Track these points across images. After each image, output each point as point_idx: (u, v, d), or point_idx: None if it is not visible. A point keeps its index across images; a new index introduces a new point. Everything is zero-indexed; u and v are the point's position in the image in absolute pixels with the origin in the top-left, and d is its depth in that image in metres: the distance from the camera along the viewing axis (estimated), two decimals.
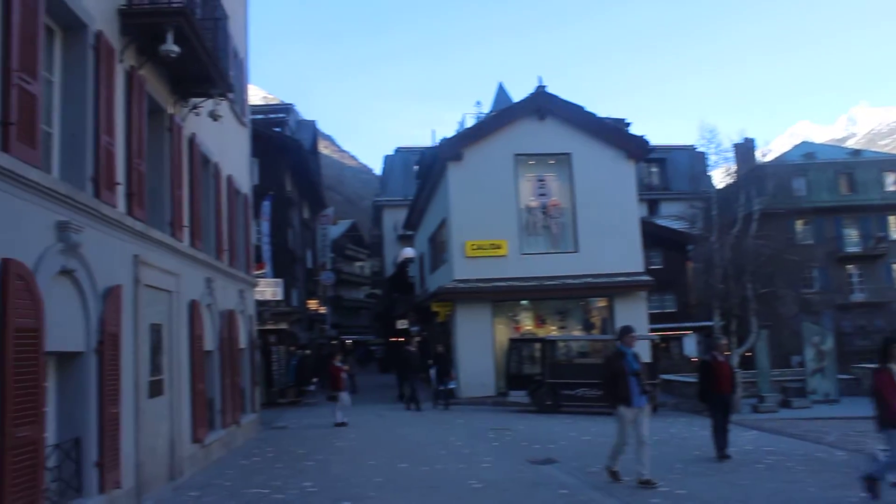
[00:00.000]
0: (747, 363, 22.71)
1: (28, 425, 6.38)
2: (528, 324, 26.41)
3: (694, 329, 37.38)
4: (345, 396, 18.81)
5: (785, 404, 20.28)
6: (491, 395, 24.16)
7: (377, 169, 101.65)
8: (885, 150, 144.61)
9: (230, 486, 10.80)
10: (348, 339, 60.35)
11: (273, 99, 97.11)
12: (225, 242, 15.44)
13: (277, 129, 36.58)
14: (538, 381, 21.04)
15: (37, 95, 6.94)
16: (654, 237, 35.64)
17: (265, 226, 27.42)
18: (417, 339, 25.64)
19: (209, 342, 13.63)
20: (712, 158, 35.47)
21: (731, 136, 65.81)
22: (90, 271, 8.04)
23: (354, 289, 73.76)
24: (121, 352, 8.84)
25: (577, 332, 26.43)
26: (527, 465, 11.99)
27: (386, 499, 9.56)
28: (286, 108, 44.82)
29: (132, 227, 9.46)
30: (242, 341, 16.59)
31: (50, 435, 7.44)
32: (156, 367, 10.55)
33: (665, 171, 49.76)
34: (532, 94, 26.58)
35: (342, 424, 17.95)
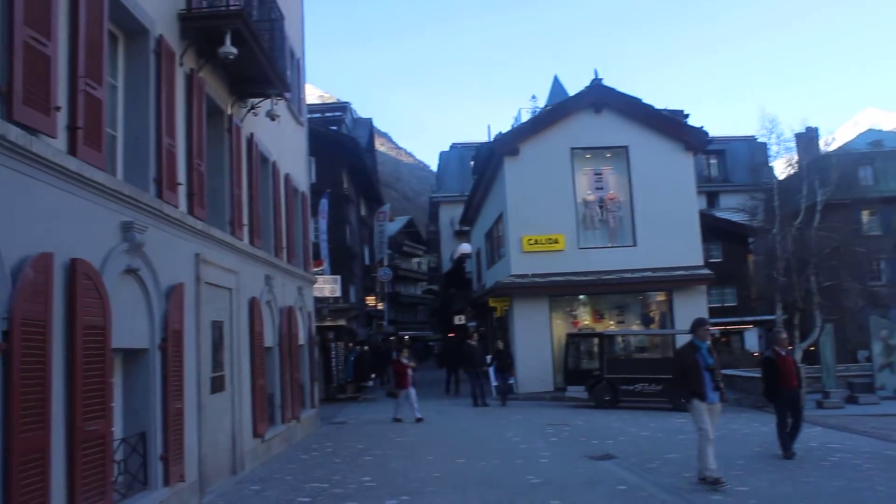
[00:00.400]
0: (811, 358, 22.24)
1: (97, 420, 6.58)
2: (585, 318, 26.25)
3: (755, 323, 36.73)
4: (412, 393, 18.40)
5: (851, 400, 19.75)
6: (549, 390, 24.06)
7: (433, 165, 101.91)
8: None
9: (290, 480, 10.97)
10: (406, 334, 60.73)
11: (329, 98, 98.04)
12: (283, 240, 15.66)
13: (334, 128, 37.02)
14: (596, 377, 20.87)
15: (102, 100, 7.14)
16: (713, 230, 35.09)
17: (323, 223, 27.75)
18: (477, 335, 25.52)
19: (269, 339, 13.85)
20: (773, 149, 34.84)
21: (792, 125, 64.16)
22: (153, 270, 8.24)
23: (412, 285, 74.15)
24: (184, 348, 9.05)
25: (635, 327, 26.19)
26: (585, 460, 11.91)
27: (443, 494, 9.59)
28: (342, 107, 45.31)
29: (193, 227, 9.67)
30: (301, 338, 16.80)
31: (117, 429, 7.68)
32: (217, 364, 10.75)
33: (724, 162, 48.86)
34: (588, 87, 26.38)
35: (420, 420, 17.82)
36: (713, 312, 27.46)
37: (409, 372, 18.67)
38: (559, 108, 27.05)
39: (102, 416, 6.70)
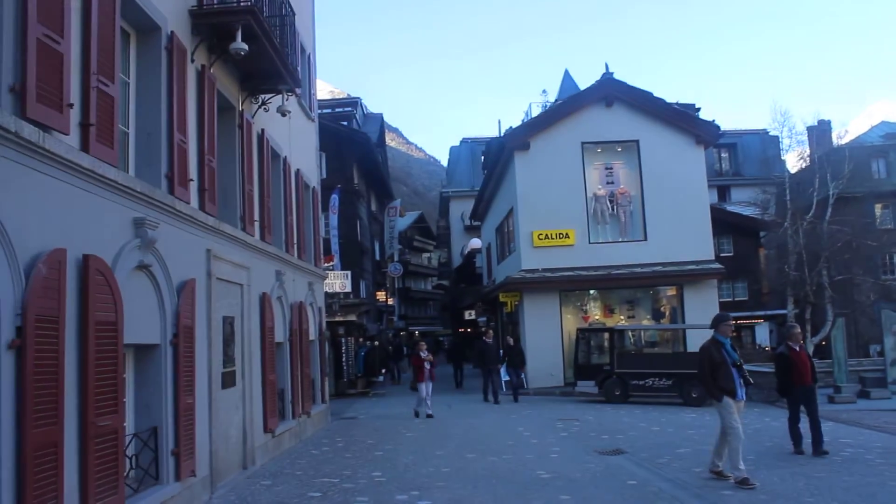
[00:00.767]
0: (823, 352, 22.13)
1: (109, 415, 6.63)
2: (596, 313, 26.23)
3: (766, 317, 36.57)
4: (422, 388, 18.30)
5: (863, 395, 19.68)
6: (559, 385, 24.09)
7: (444, 160, 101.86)
8: None
9: (301, 475, 11.02)
10: (416, 330, 60.77)
11: (340, 93, 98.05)
12: (294, 236, 15.71)
13: (344, 123, 37.01)
14: (606, 372, 20.87)
15: (114, 97, 7.18)
16: (724, 224, 34.98)
17: (333, 218, 27.80)
18: (492, 331, 25.49)
19: (280, 334, 13.90)
20: (785, 142, 34.74)
21: (804, 118, 63.61)
22: (165, 266, 8.29)
23: (422, 280, 74.13)
24: (195, 344, 9.09)
25: (645, 322, 26.16)
26: (595, 455, 11.91)
27: (453, 489, 9.61)
28: (353, 102, 45.29)
29: (205, 223, 9.71)
30: (312, 333, 16.85)
31: (129, 424, 7.73)
32: (228, 359, 10.80)
33: (735, 156, 48.62)
34: (599, 81, 26.31)
35: (429, 416, 17.89)
36: (724, 307, 27.36)
37: (426, 366, 18.51)
38: (570, 103, 26.98)
39: (115, 412, 6.75)
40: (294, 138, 16.25)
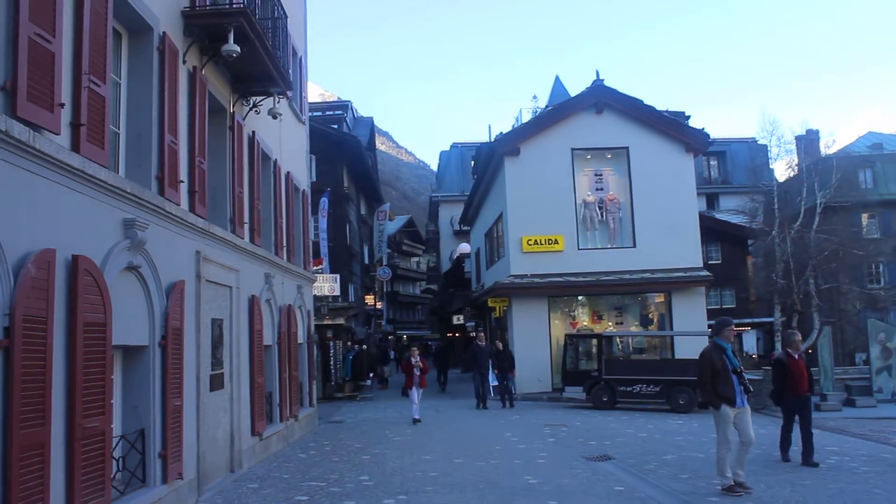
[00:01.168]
0: (809, 361, 22.20)
1: (96, 416, 6.59)
2: (584, 319, 26.28)
3: (753, 325, 36.77)
4: (412, 393, 18.14)
5: (849, 403, 19.79)
6: (547, 391, 24.10)
7: (434, 165, 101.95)
8: None
9: (288, 479, 10.99)
10: (404, 333, 60.73)
11: (331, 96, 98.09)
12: (284, 238, 15.68)
13: (335, 127, 37.00)
14: (594, 378, 20.88)
15: (106, 97, 7.15)
16: (712, 231, 35.17)
17: (323, 222, 27.79)
18: (484, 335, 25.43)
19: (268, 337, 13.86)
20: (774, 151, 35.02)
21: (793, 127, 64.10)
22: (154, 267, 8.25)
23: (411, 284, 74.17)
24: (183, 346, 9.06)
25: (634, 328, 26.22)
26: (583, 461, 11.93)
27: (441, 494, 9.60)
28: (344, 106, 45.32)
29: (194, 224, 9.68)
30: (300, 336, 16.82)
31: (116, 426, 7.70)
32: (217, 361, 10.76)
33: (724, 164, 48.94)
34: (589, 88, 26.41)
35: (417, 420, 17.73)
36: (711, 314, 27.40)
37: (416, 372, 18.35)
38: (560, 109, 27.05)
39: (102, 413, 6.71)
40: (285, 141, 16.23)
